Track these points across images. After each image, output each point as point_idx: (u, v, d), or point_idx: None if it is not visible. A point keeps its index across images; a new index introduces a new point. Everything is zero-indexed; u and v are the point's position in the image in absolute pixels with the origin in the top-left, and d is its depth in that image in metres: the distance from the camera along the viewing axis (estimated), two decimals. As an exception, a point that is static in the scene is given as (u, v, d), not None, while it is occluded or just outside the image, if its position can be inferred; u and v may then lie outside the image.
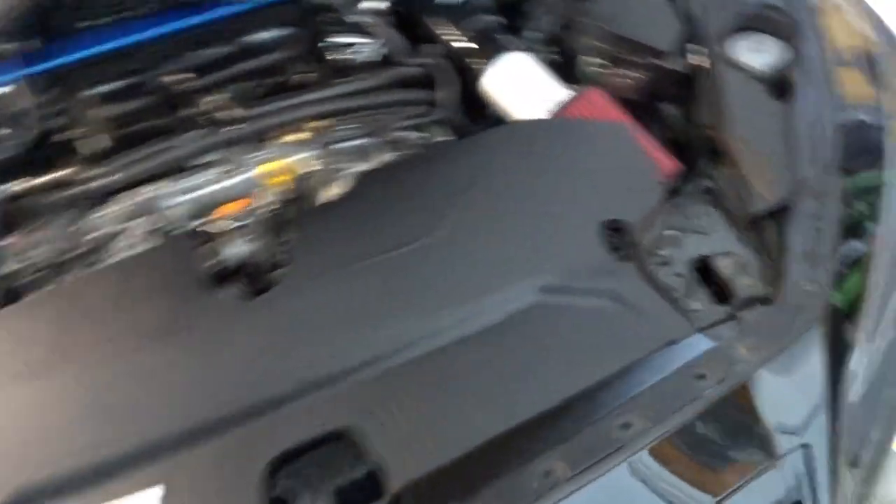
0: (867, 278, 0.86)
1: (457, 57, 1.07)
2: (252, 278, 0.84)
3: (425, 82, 1.03)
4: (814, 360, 0.79)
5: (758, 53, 1.00)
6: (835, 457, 0.77)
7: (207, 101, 0.98)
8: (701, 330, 0.83)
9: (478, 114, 1.12)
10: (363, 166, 0.97)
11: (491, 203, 0.87)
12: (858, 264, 0.87)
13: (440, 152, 0.94)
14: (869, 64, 1.04)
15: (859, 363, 0.83)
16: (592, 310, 0.81)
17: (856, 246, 0.88)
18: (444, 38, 1.08)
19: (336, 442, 0.71)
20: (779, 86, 0.99)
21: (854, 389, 0.83)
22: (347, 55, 1.00)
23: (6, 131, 0.96)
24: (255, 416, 0.72)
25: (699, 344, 0.81)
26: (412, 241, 0.84)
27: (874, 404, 0.86)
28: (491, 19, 1.09)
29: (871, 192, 0.92)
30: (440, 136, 1.04)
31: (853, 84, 1.01)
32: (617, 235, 0.88)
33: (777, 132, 0.93)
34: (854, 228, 0.89)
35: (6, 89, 0.94)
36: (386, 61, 1.03)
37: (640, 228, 0.88)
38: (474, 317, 0.80)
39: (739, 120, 0.95)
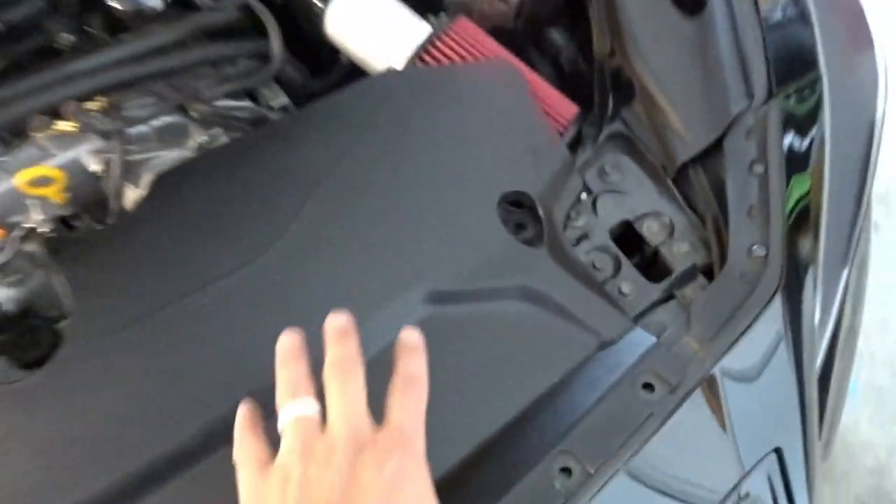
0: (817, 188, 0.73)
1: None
2: (24, 339, 0.58)
3: (242, 31, 0.78)
4: (774, 345, 0.65)
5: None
6: (810, 456, 0.64)
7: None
8: (637, 319, 0.67)
9: (323, 64, 0.88)
10: (176, 152, 0.71)
11: (352, 193, 0.65)
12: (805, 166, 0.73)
13: (279, 127, 0.70)
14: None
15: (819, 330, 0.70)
16: (500, 317, 0.62)
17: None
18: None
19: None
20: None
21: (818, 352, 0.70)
22: (130, 4, 0.72)
23: None
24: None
25: (638, 341, 0.64)
26: (249, 261, 0.61)
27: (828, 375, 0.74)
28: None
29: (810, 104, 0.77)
30: (277, 101, 0.79)
31: None
32: (521, 212, 0.69)
33: (694, 56, 0.75)
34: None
35: None
36: (185, 5, 0.76)
37: (547, 197, 0.69)
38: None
39: (645, 44, 0.76)
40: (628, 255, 0.71)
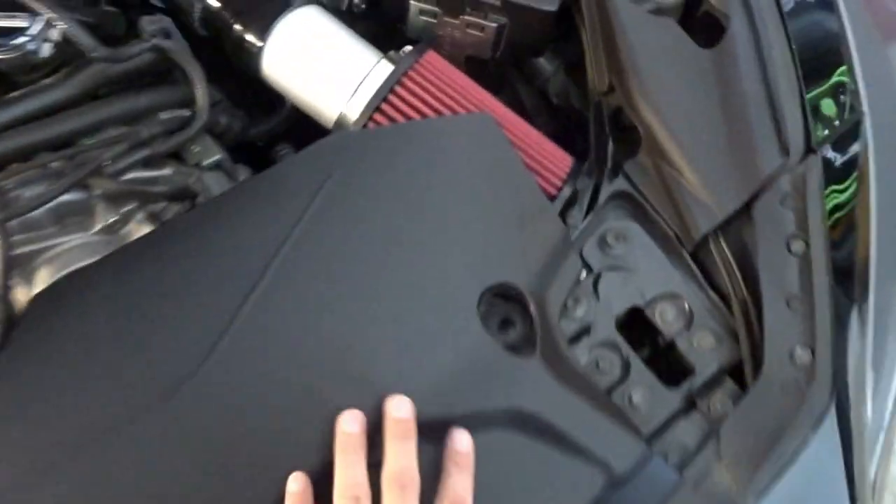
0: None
1: (210, 24, 0.67)
2: None
3: (155, 78, 0.63)
4: (825, 471, 0.52)
5: (663, -28, 0.67)
6: None
7: None
8: (652, 438, 0.54)
9: (268, 102, 0.74)
10: (75, 240, 0.57)
11: (297, 298, 0.51)
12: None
13: (205, 212, 0.56)
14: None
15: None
16: (486, 453, 0.49)
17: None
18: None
19: None
20: (699, 21, 0.67)
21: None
22: (12, 52, 0.58)
23: None
24: None
25: (657, 476, 0.51)
26: (171, 392, 0.47)
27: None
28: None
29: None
30: (209, 157, 0.65)
31: None
32: (505, 305, 0.56)
33: (713, 95, 0.62)
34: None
35: None
36: (67, 54, 0.60)
37: (538, 287, 0.56)
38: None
39: (652, 80, 0.62)
40: (638, 348, 0.59)
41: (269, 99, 0.73)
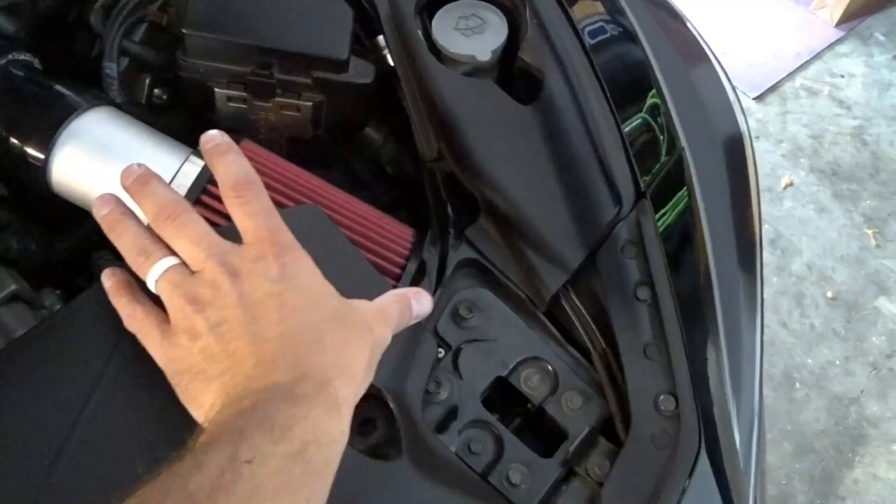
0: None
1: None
2: None
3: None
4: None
5: (474, 34, 0.67)
6: None
7: None
8: (538, 518, 0.51)
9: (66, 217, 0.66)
10: None
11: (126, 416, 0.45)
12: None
13: (12, 357, 0.48)
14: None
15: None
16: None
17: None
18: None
19: None
20: (516, 78, 0.67)
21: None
22: None
23: None
24: None
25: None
26: None
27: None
28: (21, 60, 0.60)
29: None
30: (4, 289, 0.57)
31: (577, 7, 0.72)
32: (363, 406, 0.51)
33: (540, 151, 0.61)
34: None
35: None
36: None
37: (395, 379, 0.52)
38: None
39: (483, 146, 0.61)
40: (509, 419, 0.56)
41: (70, 209, 0.65)
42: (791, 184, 1.80)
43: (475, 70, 0.66)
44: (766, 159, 1.82)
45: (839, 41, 2.06)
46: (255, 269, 0.44)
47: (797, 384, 1.49)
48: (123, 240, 0.46)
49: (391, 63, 0.66)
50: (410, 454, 0.49)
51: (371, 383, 0.50)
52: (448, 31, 0.66)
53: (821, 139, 1.87)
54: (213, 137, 0.48)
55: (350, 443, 0.45)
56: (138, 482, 0.36)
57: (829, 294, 1.62)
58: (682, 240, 0.64)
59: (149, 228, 0.47)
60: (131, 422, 0.45)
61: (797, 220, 1.73)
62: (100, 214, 0.48)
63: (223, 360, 0.42)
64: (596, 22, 0.73)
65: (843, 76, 2.00)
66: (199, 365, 0.42)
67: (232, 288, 0.43)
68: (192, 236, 0.45)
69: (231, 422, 0.38)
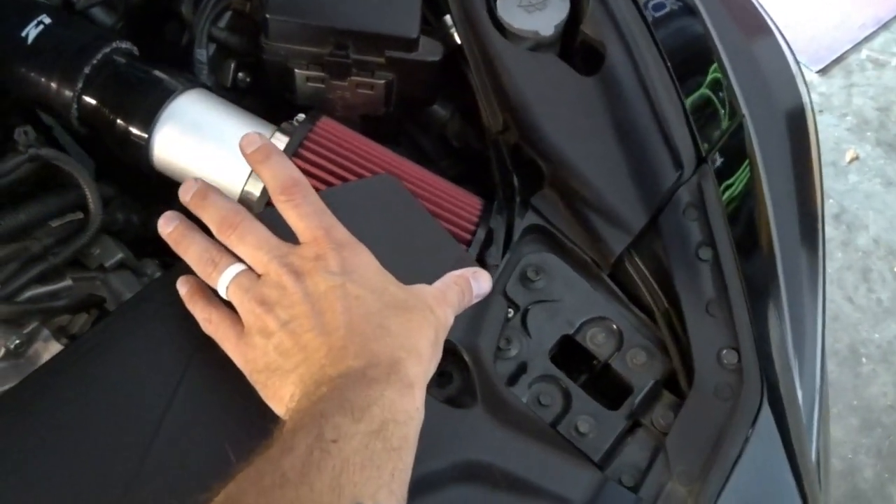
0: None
1: (95, 121, 0.64)
2: None
3: (42, 186, 0.61)
4: (769, 461, 0.54)
5: (537, 10, 0.70)
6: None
7: None
8: (604, 463, 0.54)
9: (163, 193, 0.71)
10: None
11: (223, 385, 0.50)
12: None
13: (121, 319, 0.53)
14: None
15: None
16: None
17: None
18: (50, 99, 0.63)
19: None
20: (578, 52, 0.70)
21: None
22: None
23: None
24: None
25: (615, 501, 0.52)
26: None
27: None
28: (118, 48, 0.65)
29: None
30: (112, 258, 0.63)
31: None
32: (441, 362, 0.55)
33: (602, 121, 0.64)
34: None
35: None
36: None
37: (469, 335, 0.56)
38: None
39: (545, 117, 0.64)
40: (576, 375, 0.59)
41: (165, 185, 0.71)
42: (856, 158, 1.76)
43: (538, 45, 0.69)
44: (830, 133, 1.78)
45: (908, 9, 2.00)
46: (315, 266, 0.46)
47: (864, 359, 1.47)
48: (190, 253, 0.49)
49: (458, 41, 0.69)
50: (485, 403, 0.53)
51: (448, 339, 0.54)
52: (512, 9, 0.69)
53: (888, 112, 1.82)
54: (252, 141, 0.50)
55: (429, 393, 0.49)
56: (232, 468, 0.39)
57: (897, 268, 1.60)
58: (746, 209, 0.65)
59: (213, 239, 0.50)
60: (216, 414, 0.50)
61: (863, 194, 1.70)
62: (165, 232, 0.51)
63: (296, 353, 0.44)
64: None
65: (912, 46, 1.94)
66: (275, 361, 0.45)
67: (296, 286, 0.45)
68: (253, 242, 0.48)
69: (312, 408, 0.41)
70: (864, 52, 1.95)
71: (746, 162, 0.67)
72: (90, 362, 0.50)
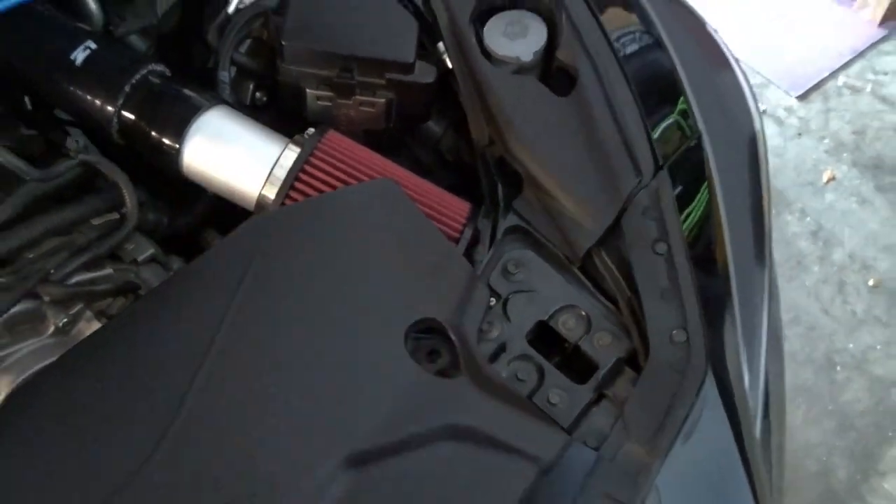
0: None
1: (129, 135, 0.74)
2: None
3: (86, 188, 0.70)
4: (714, 426, 0.62)
5: (519, 38, 0.79)
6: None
7: None
8: (572, 428, 0.62)
9: (187, 194, 0.81)
10: (33, 345, 0.63)
11: (243, 357, 0.58)
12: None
13: (152, 299, 0.62)
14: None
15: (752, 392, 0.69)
16: (431, 465, 0.57)
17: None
18: (94, 113, 0.73)
19: None
20: (554, 75, 0.79)
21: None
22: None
23: None
24: None
25: (578, 457, 0.60)
26: (141, 461, 0.53)
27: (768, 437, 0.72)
28: (152, 69, 0.75)
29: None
30: (143, 253, 0.72)
31: (615, 18, 0.84)
32: (430, 339, 0.64)
33: (574, 135, 0.73)
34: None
35: None
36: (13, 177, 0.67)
37: (455, 317, 0.65)
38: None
39: (524, 131, 0.73)
40: (549, 355, 0.68)
41: (188, 191, 0.80)
42: (833, 178, 1.86)
43: (520, 69, 0.78)
44: (808, 155, 1.88)
45: (882, 40, 2.11)
46: None
47: (838, 367, 1.55)
48: None
49: (449, 65, 0.79)
50: (469, 374, 0.62)
51: (435, 319, 0.62)
52: (497, 37, 0.79)
53: (863, 135, 1.92)
54: None
55: (421, 366, 0.58)
56: None
57: (871, 282, 1.68)
58: (706, 227, 0.74)
59: None
60: (252, 357, 0.58)
61: (839, 212, 1.79)
62: None
63: None
64: (631, 32, 0.85)
65: (886, 74, 2.05)
66: None
67: None
68: None
69: None
70: (842, 79, 2.05)
71: (705, 185, 0.76)
72: (125, 337, 0.59)
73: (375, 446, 0.56)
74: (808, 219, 1.74)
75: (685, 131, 0.79)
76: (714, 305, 0.68)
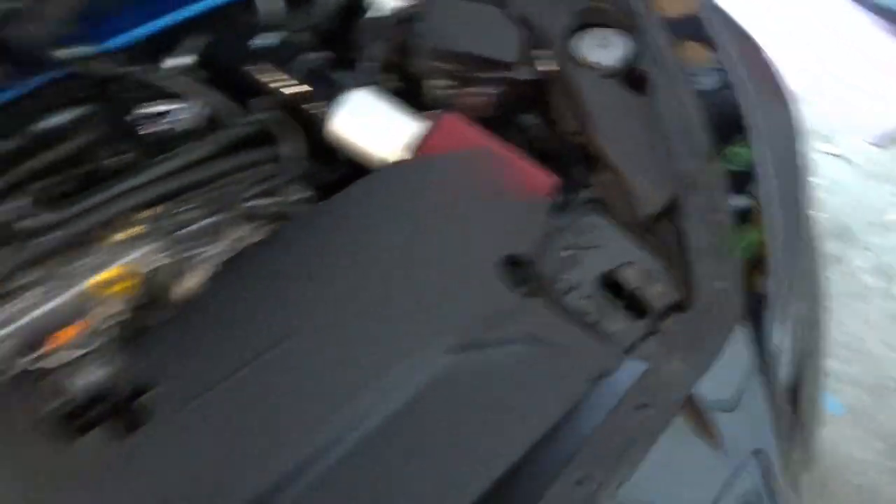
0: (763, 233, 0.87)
1: (292, 104, 0.95)
2: (116, 410, 0.68)
3: (263, 140, 0.91)
4: (743, 360, 0.76)
5: (604, 49, 0.97)
6: (786, 456, 0.75)
7: (2, 212, 0.80)
8: (627, 352, 0.78)
9: (328, 160, 1.01)
10: (218, 247, 0.83)
11: (371, 269, 0.77)
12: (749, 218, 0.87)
13: (303, 222, 0.82)
14: (697, 27, 1.05)
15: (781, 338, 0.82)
16: (512, 359, 0.73)
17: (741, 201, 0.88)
18: (272, 86, 0.95)
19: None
20: (633, 79, 0.96)
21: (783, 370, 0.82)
22: (163, 126, 0.85)
23: None
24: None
25: (631, 369, 0.75)
26: (294, 332, 0.72)
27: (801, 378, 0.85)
28: (318, 56, 0.97)
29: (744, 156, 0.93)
30: (297, 195, 0.92)
31: (692, 52, 1.01)
32: (516, 271, 0.81)
33: (645, 128, 0.90)
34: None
35: None
36: (211, 125, 0.89)
37: (537, 257, 0.81)
38: (385, 400, 0.69)
39: (604, 122, 0.91)
40: (613, 301, 0.83)
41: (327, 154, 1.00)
42: (900, 219, 1.93)
43: (605, 73, 0.96)
44: (877, 196, 1.97)
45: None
46: None
47: (892, 392, 1.62)
48: None
49: (545, 67, 0.97)
50: (546, 297, 0.78)
51: (524, 253, 0.79)
52: (588, 47, 0.97)
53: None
54: None
55: (510, 290, 0.75)
56: None
57: (931, 318, 1.74)
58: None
59: None
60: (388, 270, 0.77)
61: (903, 251, 1.87)
62: None
63: None
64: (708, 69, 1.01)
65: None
66: None
67: None
68: None
69: None
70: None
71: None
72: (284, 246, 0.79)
73: (471, 339, 0.73)
74: (870, 253, 1.82)
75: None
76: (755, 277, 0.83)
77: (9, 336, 0.74)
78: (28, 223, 0.79)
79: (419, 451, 0.69)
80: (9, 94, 0.85)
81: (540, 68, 0.98)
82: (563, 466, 0.67)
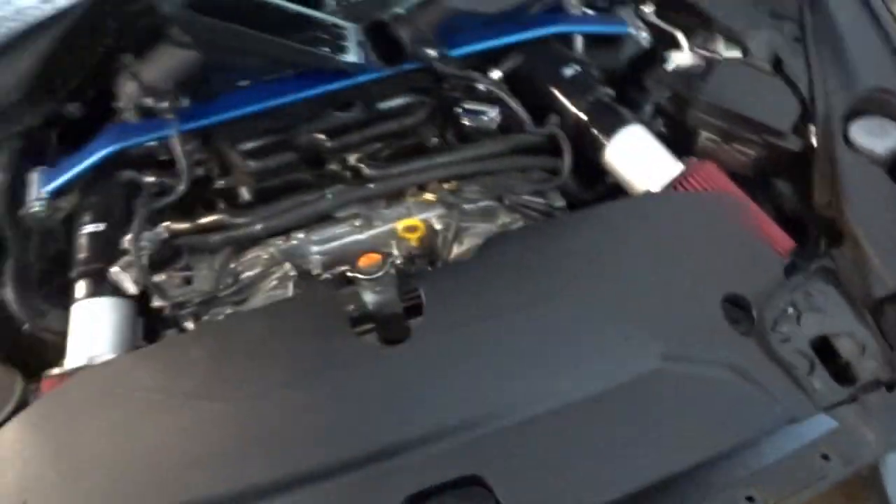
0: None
1: (577, 127, 1.11)
2: (385, 326, 0.89)
3: (547, 149, 1.09)
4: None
5: (878, 138, 1.02)
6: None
7: (344, 161, 1.06)
8: (823, 410, 0.84)
9: (590, 181, 1.16)
10: (488, 227, 1.02)
11: (611, 273, 0.91)
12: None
13: (564, 223, 0.99)
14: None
15: None
16: (714, 380, 0.83)
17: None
18: (570, 108, 1.12)
19: (469, 487, 0.74)
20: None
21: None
22: (473, 122, 1.07)
23: (160, 180, 1.05)
24: (391, 456, 0.76)
25: (822, 424, 0.81)
26: (536, 305, 0.88)
27: None
28: (606, 91, 1.13)
29: None
30: (557, 203, 1.09)
31: None
32: (737, 310, 0.90)
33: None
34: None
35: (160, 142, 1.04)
36: (507, 128, 1.09)
37: (760, 304, 0.90)
38: (595, 379, 0.83)
39: (860, 203, 0.96)
40: (823, 363, 0.89)
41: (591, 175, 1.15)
42: None
43: (872, 160, 1.01)
44: None
45: None
46: None
47: None
48: None
49: (814, 142, 1.04)
50: (757, 338, 0.86)
51: (745, 296, 0.88)
52: (861, 133, 1.02)
53: None
54: None
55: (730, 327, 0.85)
56: None
57: None
58: None
59: None
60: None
61: None
62: None
63: None
64: None
65: None
66: None
67: None
68: None
69: None
70: None
71: None
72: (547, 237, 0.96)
73: (683, 352, 0.84)
74: None
75: None
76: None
77: (329, 250, 1.00)
78: (365, 171, 1.04)
79: (610, 431, 0.81)
80: (361, 78, 1.11)
81: (810, 142, 1.05)
82: (736, 482, 0.76)
